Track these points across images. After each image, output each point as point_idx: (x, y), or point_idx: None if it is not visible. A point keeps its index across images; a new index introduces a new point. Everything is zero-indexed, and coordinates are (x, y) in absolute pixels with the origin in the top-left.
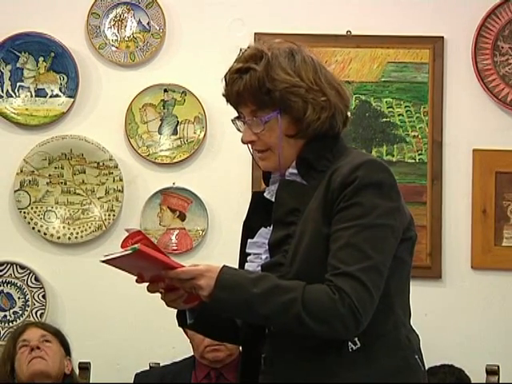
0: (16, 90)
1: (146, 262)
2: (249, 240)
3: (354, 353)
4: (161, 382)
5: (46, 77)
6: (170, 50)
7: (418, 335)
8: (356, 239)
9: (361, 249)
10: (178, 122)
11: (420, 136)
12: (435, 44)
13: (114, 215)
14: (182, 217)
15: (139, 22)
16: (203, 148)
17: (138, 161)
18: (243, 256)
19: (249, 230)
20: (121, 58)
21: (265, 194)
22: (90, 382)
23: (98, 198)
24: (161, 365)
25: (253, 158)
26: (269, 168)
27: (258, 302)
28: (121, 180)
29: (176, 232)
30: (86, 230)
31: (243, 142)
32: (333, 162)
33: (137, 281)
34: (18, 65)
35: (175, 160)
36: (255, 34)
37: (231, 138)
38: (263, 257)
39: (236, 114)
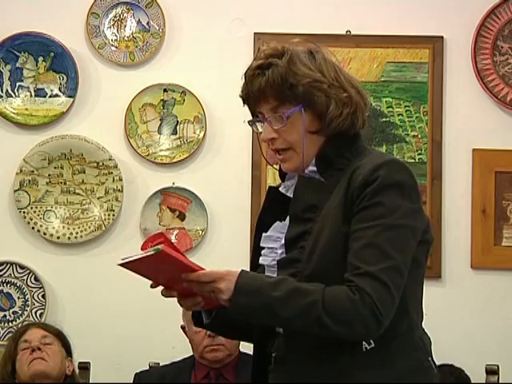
0: (16, 90)
1: (167, 264)
2: (263, 234)
3: (368, 353)
4: (160, 382)
5: (46, 77)
6: (170, 50)
7: (429, 337)
8: (377, 239)
9: (382, 249)
10: (177, 121)
11: (420, 136)
12: (435, 44)
13: (113, 215)
14: (182, 216)
15: (139, 22)
16: (203, 148)
17: (138, 161)
18: (256, 250)
19: (263, 224)
20: (120, 57)
21: (280, 189)
22: (90, 381)
23: (98, 198)
24: (160, 365)
25: (266, 161)
26: (291, 169)
27: (278, 306)
28: (120, 180)
29: (176, 232)
30: (85, 229)
31: (263, 141)
32: (352, 161)
33: (152, 285)
34: (17, 65)
35: (175, 160)
36: (255, 33)
37: (231, 138)
38: (278, 251)
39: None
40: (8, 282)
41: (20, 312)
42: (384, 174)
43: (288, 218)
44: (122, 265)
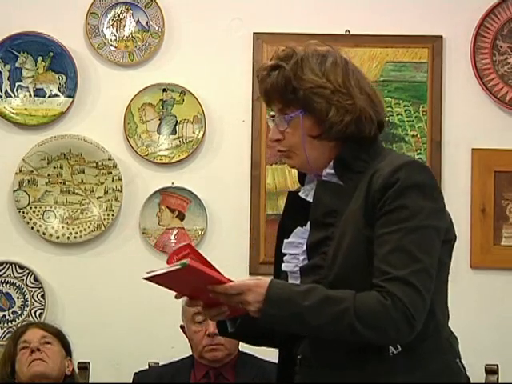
0: (15, 90)
1: (193, 277)
2: (285, 240)
3: (395, 357)
4: (160, 382)
5: (45, 76)
6: (169, 50)
7: (456, 337)
8: (403, 242)
9: (409, 252)
10: (176, 121)
11: (419, 135)
12: (434, 43)
13: (113, 215)
14: (181, 216)
15: (138, 22)
16: (202, 148)
17: (137, 160)
18: (278, 256)
19: (284, 230)
20: (120, 57)
21: (300, 194)
22: (90, 381)
23: (97, 198)
24: (160, 364)
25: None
26: (295, 166)
27: (309, 315)
28: (120, 180)
29: (175, 232)
30: (84, 229)
31: (270, 140)
32: (370, 163)
33: (176, 296)
34: (16, 64)
35: (174, 160)
36: (254, 33)
37: (230, 138)
38: (300, 258)
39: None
40: (7, 282)
41: (19, 312)
42: (404, 176)
43: (309, 223)
44: (146, 278)
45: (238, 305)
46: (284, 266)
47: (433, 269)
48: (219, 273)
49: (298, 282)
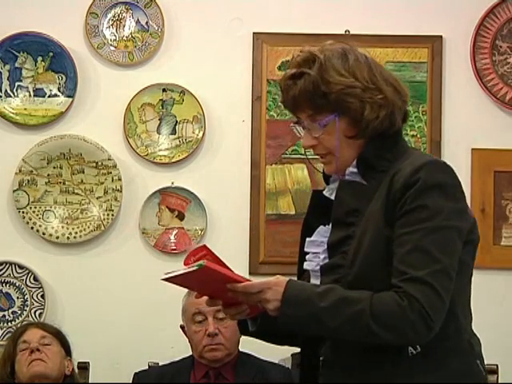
0: (14, 90)
1: (211, 277)
2: (307, 239)
3: (414, 357)
4: (160, 382)
5: (45, 76)
6: (169, 50)
7: (479, 339)
8: (423, 243)
9: (429, 252)
10: (176, 121)
11: (419, 135)
12: (434, 43)
13: (112, 215)
14: (181, 216)
15: (138, 22)
16: (202, 147)
17: (137, 160)
18: (302, 254)
19: (308, 229)
20: (119, 57)
21: (324, 193)
22: (89, 381)
23: (97, 198)
24: (160, 364)
25: (308, 160)
26: (332, 171)
27: (326, 316)
28: (119, 180)
29: (175, 232)
30: (84, 229)
31: (303, 147)
32: (393, 163)
33: (196, 296)
34: (16, 64)
35: (174, 160)
36: (254, 33)
37: (230, 138)
38: (321, 256)
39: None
40: (7, 282)
41: (19, 312)
42: (425, 176)
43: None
44: (165, 279)
45: (257, 303)
46: (306, 265)
47: (452, 270)
48: (235, 273)
49: (318, 280)
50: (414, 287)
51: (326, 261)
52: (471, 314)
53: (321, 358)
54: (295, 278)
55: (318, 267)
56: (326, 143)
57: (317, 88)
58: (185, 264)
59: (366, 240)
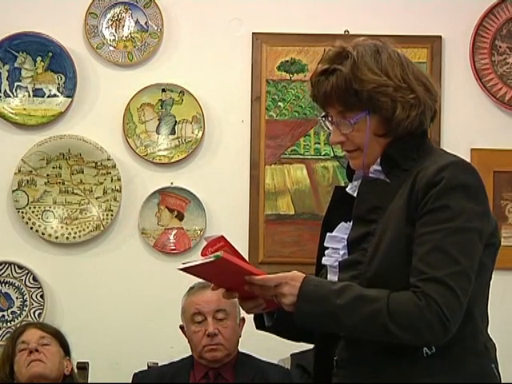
0: (14, 90)
1: (227, 269)
2: (328, 234)
3: (429, 358)
4: (159, 382)
5: (44, 77)
6: (168, 50)
7: (494, 344)
8: (444, 243)
9: (449, 253)
10: (175, 121)
11: None
12: (433, 43)
13: (111, 215)
14: (180, 216)
15: (137, 22)
16: (201, 148)
17: (136, 160)
18: (321, 249)
19: (328, 224)
20: (119, 57)
21: (347, 189)
22: (89, 381)
23: (96, 198)
24: (159, 364)
25: (334, 155)
26: (359, 167)
27: (342, 314)
28: (119, 180)
29: (174, 232)
30: (84, 229)
31: (332, 143)
32: (418, 162)
33: (213, 288)
34: (15, 65)
35: (173, 160)
36: (253, 33)
37: (229, 138)
38: (341, 252)
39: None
40: (6, 282)
41: (18, 312)
42: (449, 176)
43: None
44: (182, 269)
45: (273, 298)
46: (324, 260)
47: (472, 272)
48: (252, 266)
49: (336, 276)
50: (432, 287)
51: (346, 257)
52: (488, 318)
53: (335, 358)
54: None
55: (337, 263)
56: (355, 140)
57: (349, 85)
58: (202, 255)
59: (387, 238)
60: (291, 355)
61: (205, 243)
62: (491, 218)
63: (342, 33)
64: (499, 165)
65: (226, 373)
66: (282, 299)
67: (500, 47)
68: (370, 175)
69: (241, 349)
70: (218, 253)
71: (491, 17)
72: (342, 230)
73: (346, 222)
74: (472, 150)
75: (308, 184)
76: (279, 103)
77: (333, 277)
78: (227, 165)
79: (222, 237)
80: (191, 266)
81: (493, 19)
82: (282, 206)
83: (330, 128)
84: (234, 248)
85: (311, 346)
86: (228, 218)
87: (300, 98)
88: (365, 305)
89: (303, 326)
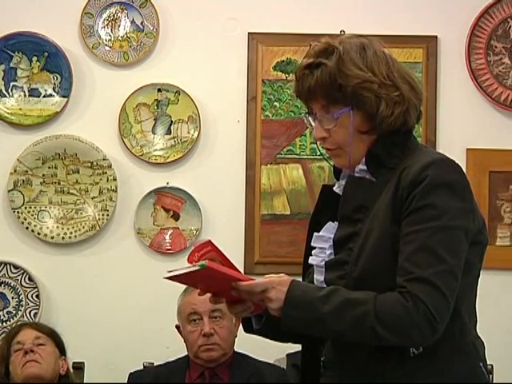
0: (9, 90)
1: (214, 277)
2: (315, 233)
3: (416, 358)
4: (155, 382)
5: (40, 76)
6: (164, 50)
7: (483, 342)
8: (430, 242)
9: (435, 252)
10: (171, 121)
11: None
12: (429, 43)
13: (107, 215)
14: (176, 216)
15: (133, 22)
16: (197, 148)
17: (132, 160)
18: (308, 249)
19: (316, 224)
20: (114, 57)
21: (334, 189)
22: (84, 381)
23: (92, 198)
24: (155, 364)
25: (320, 154)
26: (342, 165)
27: (330, 319)
28: (114, 180)
29: (170, 232)
30: (79, 229)
31: (315, 139)
32: (403, 160)
33: (199, 294)
34: (11, 64)
35: (169, 160)
36: (249, 33)
37: (225, 138)
38: (327, 252)
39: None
40: (2, 282)
41: (14, 312)
42: (433, 174)
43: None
44: (167, 278)
45: (260, 302)
46: (311, 260)
47: (458, 270)
48: (239, 271)
49: (322, 276)
50: (419, 288)
51: (332, 257)
52: (476, 317)
53: (322, 358)
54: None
55: (323, 263)
56: (337, 136)
57: (333, 80)
58: (188, 260)
59: (372, 237)
60: (287, 355)
61: (192, 248)
62: (477, 215)
63: (338, 33)
64: (495, 165)
65: (222, 373)
66: (268, 304)
67: (496, 47)
68: (356, 174)
69: (237, 349)
70: (202, 261)
71: (487, 17)
72: (329, 230)
73: (333, 222)
74: (468, 149)
75: (304, 184)
76: (275, 103)
77: (319, 276)
78: (223, 165)
79: (210, 241)
80: (177, 275)
81: (488, 19)
82: (277, 206)
83: (313, 124)
84: (221, 253)
85: None
86: (224, 217)
87: (296, 98)
88: (352, 309)
89: (290, 330)
